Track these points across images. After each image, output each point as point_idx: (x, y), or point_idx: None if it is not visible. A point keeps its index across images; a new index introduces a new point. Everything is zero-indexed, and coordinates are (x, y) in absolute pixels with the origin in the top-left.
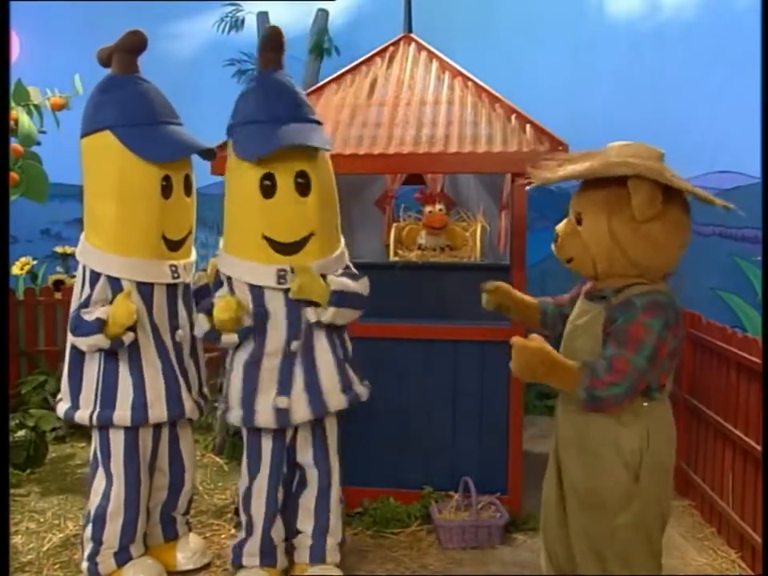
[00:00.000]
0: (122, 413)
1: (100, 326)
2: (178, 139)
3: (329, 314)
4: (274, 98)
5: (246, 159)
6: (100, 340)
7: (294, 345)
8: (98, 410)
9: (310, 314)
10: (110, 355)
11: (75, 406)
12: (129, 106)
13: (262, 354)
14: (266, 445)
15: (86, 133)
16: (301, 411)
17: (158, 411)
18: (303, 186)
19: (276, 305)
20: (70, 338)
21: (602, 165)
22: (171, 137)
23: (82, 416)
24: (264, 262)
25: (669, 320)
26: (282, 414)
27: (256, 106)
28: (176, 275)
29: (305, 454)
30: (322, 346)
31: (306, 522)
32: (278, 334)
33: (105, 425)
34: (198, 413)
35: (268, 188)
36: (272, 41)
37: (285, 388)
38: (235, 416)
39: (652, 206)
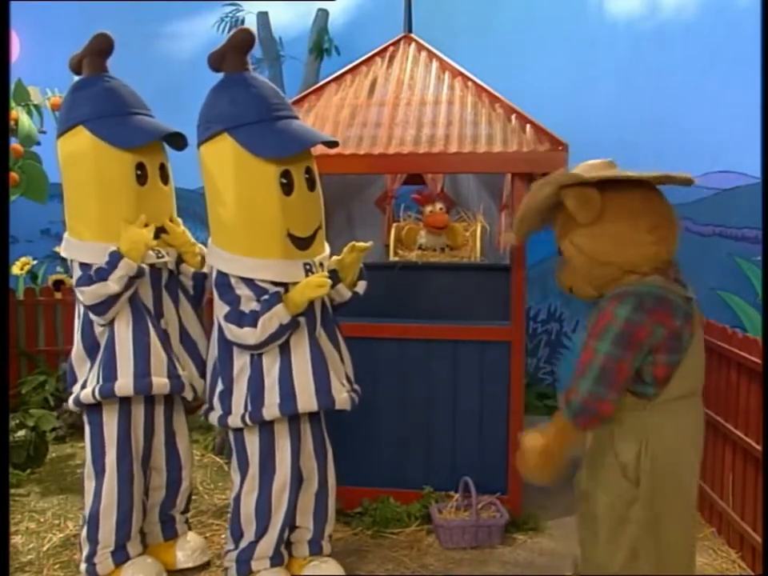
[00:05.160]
0: (124, 381)
1: (118, 256)
2: (147, 126)
3: (363, 286)
4: (271, 97)
5: (273, 156)
6: (126, 266)
7: (318, 332)
8: (100, 383)
9: (360, 288)
10: (110, 331)
11: (82, 388)
12: (99, 100)
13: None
14: (284, 442)
15: (62, 132)
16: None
17: (161, 382)
18: (310, 181)
19: None
20: (92, 292)
21: (532, 197)
22: (140, 124)
23: (86, 394)
24: (290, 258)
25: (642, 305)
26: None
27: (256, 105)
28: (160, 255)
29: (306, 447)
30: (338, 332)
31: (305, 518)
32: (302, 326)
33: (107, 396)
34: (193, 394)
35: (286, 185)
36: (250, 43)
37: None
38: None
39: (587, 207)
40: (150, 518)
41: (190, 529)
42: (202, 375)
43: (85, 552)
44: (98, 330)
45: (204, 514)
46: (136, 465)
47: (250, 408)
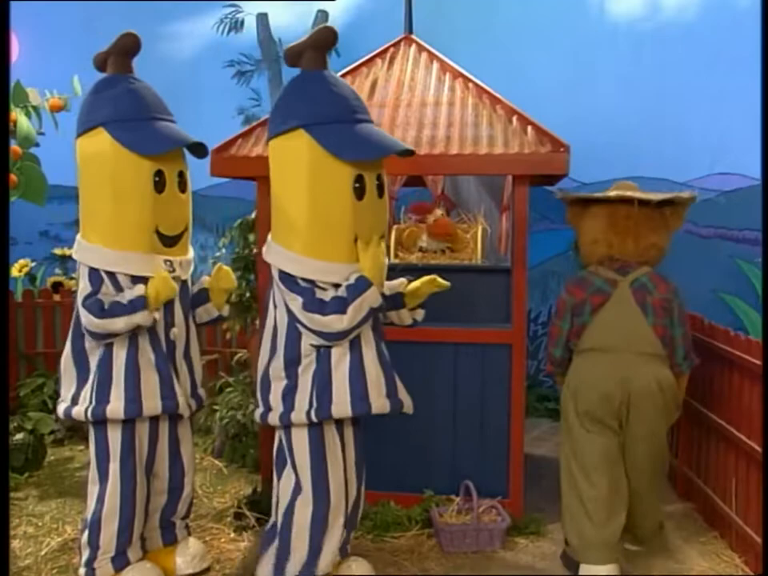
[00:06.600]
0: (116, 405)
1: (144, 303)
2: (168, 133)
3: (422, 315)
4: (351, 98)
5: (355, 159)
6: (145, 317)
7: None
8: (93, 404)
9: (418, 315)
10: (107, 349)
11: (74, 402)
12: (121, 103)
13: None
14: (335, 440)
15: (81, 132)
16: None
17: (152, 404)
18: (380, 187)
19: None
20: (97, 324)
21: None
22: (161, 131)
23: (78, 412)
24: (355, 263)
25: (566, 284)
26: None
27: (337, 104)
28: (172, 269)
29: (349, 457)
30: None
31: None
32: (369, 323)
33: (99, 419)
34: (189, 411)
35: (359, 189)
36: (332, 41)
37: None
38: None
39: (570, 218)
40: (150, 523)
41: (189, 534)
42: (193, 395)
43: (84, 556)
44: (88, 343)
45: (203, 518)
46: (140, 472)
47: (315, 404)
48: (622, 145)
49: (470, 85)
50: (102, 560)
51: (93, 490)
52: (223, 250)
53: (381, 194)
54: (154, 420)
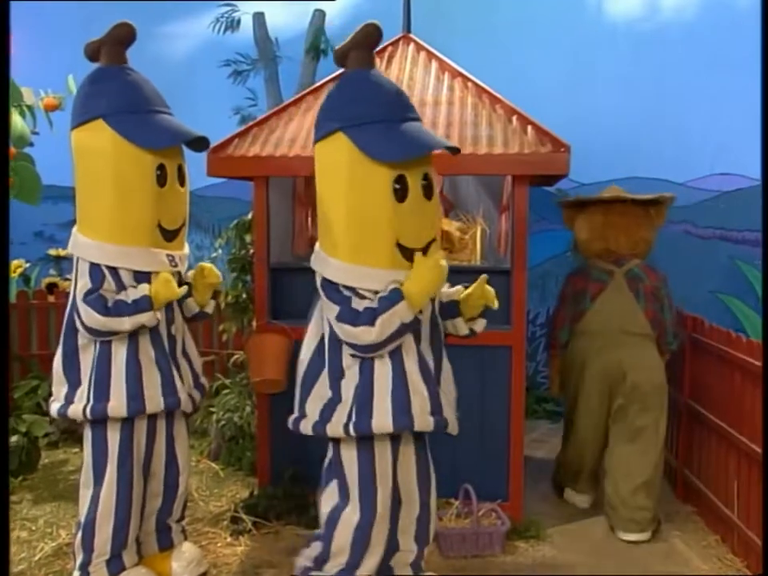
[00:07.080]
0: (117, 403)
1: (149, 303)
2: (173, 126)
3: (483, 325)
4: (393, 96)
5: (386, 160)
6: (150, 317)
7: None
8: (91, 402)
9: (477, 326)
10: (104, 347)
11: (69, 401)
12: (120, 94)
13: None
14: (387, 455)
15: (78, 124)
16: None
17: (154, 401)
18: (427, 188)
19: None
20: (102, 322)
21: None
22: (165, 124)
23: (75, 410)
24: (398, 269)
25: (570, 275)
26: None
27: (376, 104)
28: (174, 264)
29: (407, 471)
30: (444, 359)
31: (407, 541)
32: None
33: (99, 417)
34: (192, 406)
35: (400, 191)
36: (375, 38)
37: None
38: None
39: (566, 219)
40: (146, 527)
41: (185, 538)
42: (196, 386)
43: (79, 560)
44: (81, 340)
45: (200, 522)
46: (137, 471)
47: (354, 417)
48: (621, 145)
49: (470, 84)
50: (97, 564)
51: (86, 493)
52: (219, 251)
53: (428, 194)
54: (152, 418)
